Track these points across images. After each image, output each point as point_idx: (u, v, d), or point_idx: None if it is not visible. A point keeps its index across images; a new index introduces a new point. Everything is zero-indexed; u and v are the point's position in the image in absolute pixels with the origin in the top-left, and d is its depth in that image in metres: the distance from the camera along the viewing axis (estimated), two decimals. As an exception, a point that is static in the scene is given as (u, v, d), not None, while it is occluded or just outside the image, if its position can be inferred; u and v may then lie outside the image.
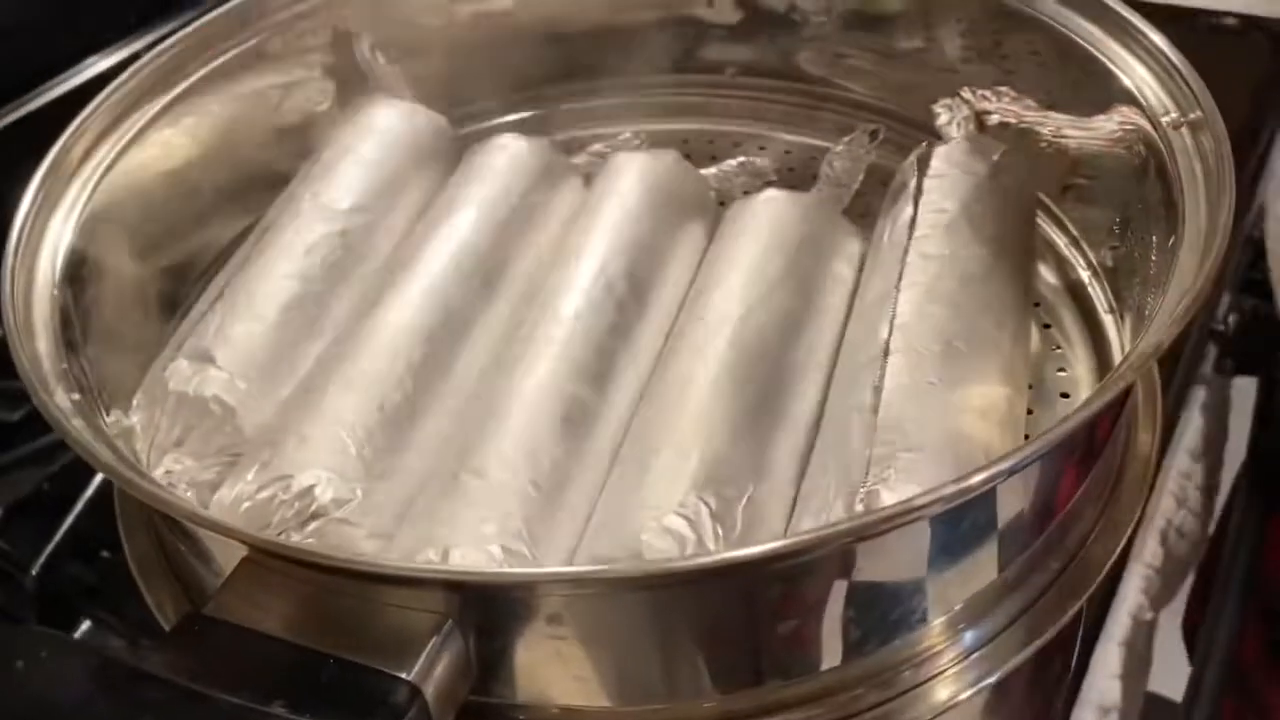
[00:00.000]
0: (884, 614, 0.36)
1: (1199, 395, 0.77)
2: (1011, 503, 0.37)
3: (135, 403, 0.46)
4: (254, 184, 0.57)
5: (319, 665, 0.31)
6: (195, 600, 0.42)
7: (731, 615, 0.35)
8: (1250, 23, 0.83)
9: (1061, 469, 0.38)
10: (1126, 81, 0.47)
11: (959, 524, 0.36)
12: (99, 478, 0.57)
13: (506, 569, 0.36)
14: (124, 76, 0.51)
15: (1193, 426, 0.77)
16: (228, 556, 0.36)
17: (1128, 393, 0.42)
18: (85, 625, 0.61)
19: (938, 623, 0.38)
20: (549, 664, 0.34)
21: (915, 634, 0.38)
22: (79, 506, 0.58)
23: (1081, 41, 0.49)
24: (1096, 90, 0.49)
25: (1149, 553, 0.70)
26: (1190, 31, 0.80)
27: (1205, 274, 0.35)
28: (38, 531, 0.58)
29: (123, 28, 0.69)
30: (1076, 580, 0.41)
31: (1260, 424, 0.86)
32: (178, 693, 0.30)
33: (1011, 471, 0.33)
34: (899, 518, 0.32)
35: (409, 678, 0.31)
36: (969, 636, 0.39)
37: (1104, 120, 0.49)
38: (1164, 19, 0.48)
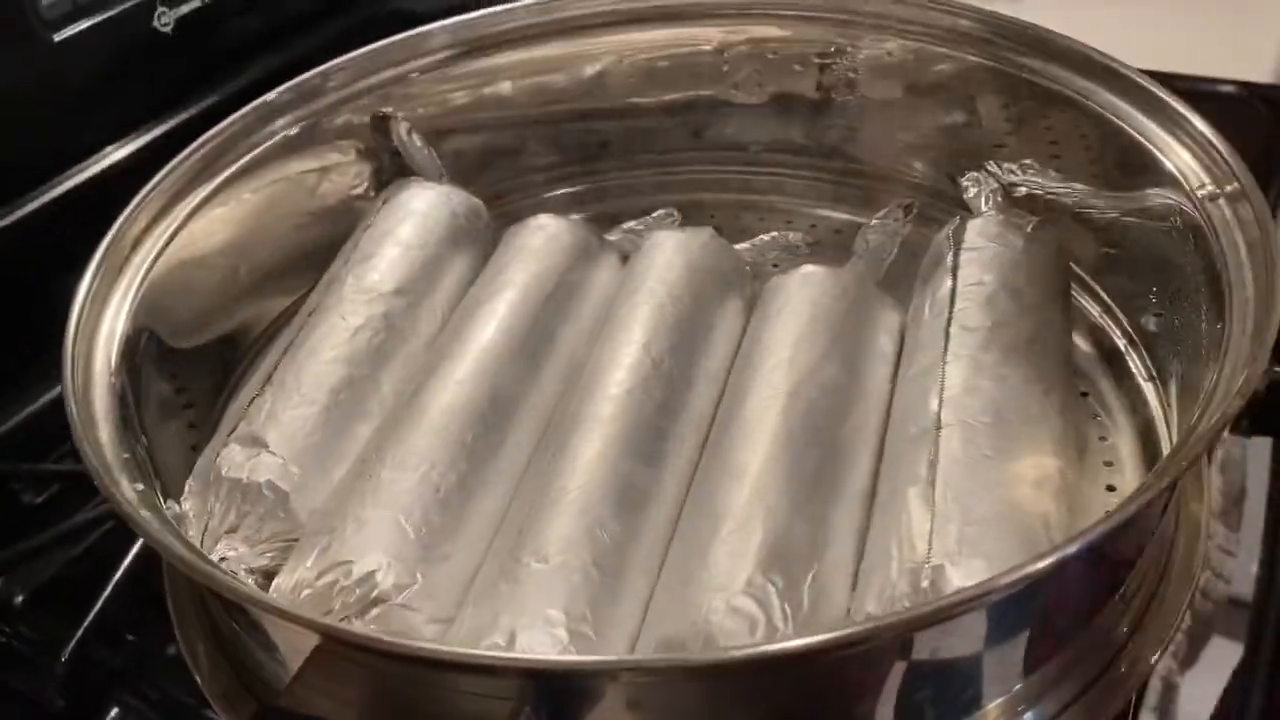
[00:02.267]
0: (955, 691, 0.36)
1: (1217, 455, 0.78)
2: (1078, 578, 0.37)
3: (187, 489, 0.46)
4: (294, 265, 0.58)
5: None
6: (249, 685, 0.42)
7: (802, 697, 0.35)
8: (1249, 90, 0.86)
9: (1129, 542, 0.38)
10: (1157, 154, 0.49)
11: (1029, 601, 0.36)
12: (126, 562, 0.56)
13: (588, 656, 0.36)
14: (170, 166, 0.52)
15: (1213, 486, 0.77)
16: (293, 644, 0.36)
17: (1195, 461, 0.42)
18: (114, 711, 0.60)
19: (995, 705, 0.38)
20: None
21: (975, 713, 0.38)
22: (107, 591, 0.57)
23: (1111, 116, 0.51)
24: (1125, 162, 0.51)
25: (1182, 620, 0.70)
26: (1191, 99, 0.83)
27: (1267, 343, 0.35)
28: (61, 616, 0.57)
29: (137, 120, 0.71)
30: (1136, 654, 0.41)
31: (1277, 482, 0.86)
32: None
33: (1090, 546, 0.33)
34: (978, 598, 0.32)
35: (493, 769, 0.31)
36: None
37: (1133, 192, 0.50)
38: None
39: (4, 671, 0.55)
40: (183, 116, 0.72)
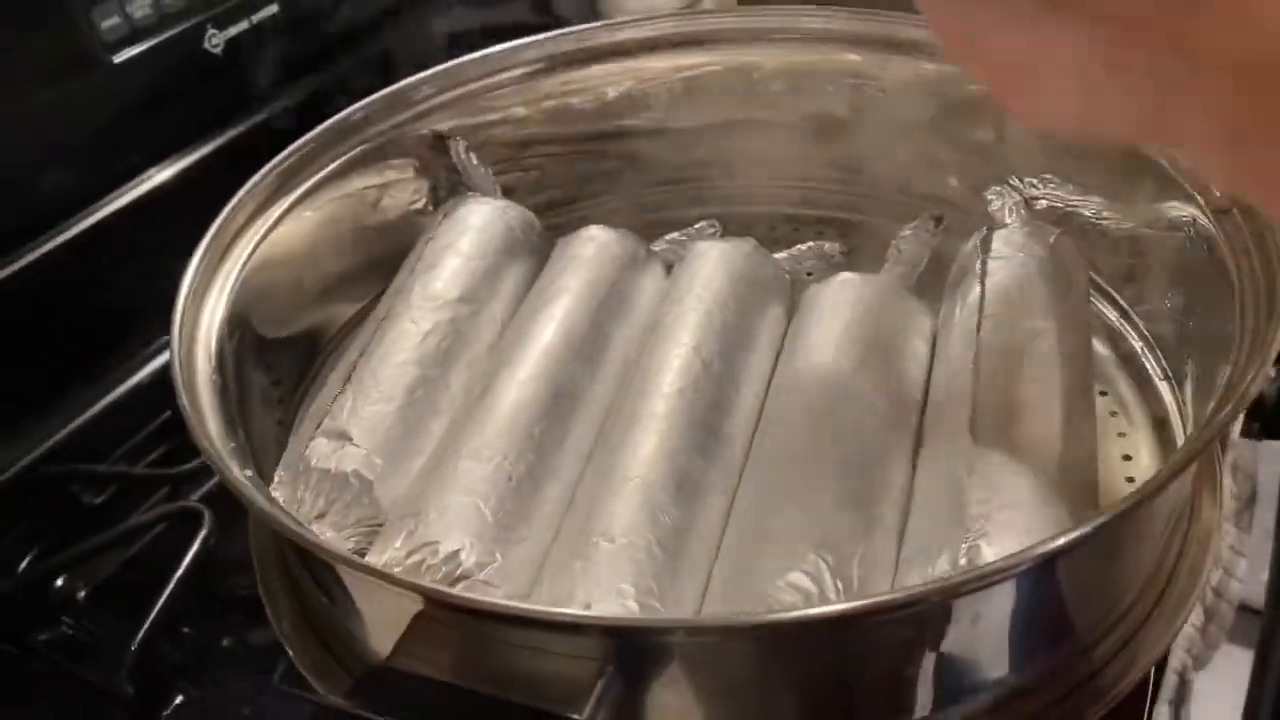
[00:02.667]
0: (981, 664, 0.40)
1: (1228, 458, 0.81)
2: (1100, 556, 0.40)
3: (277, 479, 0.49)
4: (360, 274, 0.62)
5: (502, 708, 0.35)
6: (340, 659, 0.46)
7: (853, 663, 0.39)
8: None
9: (1148, 523, 0.42)
10: (1167, 165, 0.52)
11: (1052, 579, 0.40)
12: (187, 559, 0.58)
13: (666, 616, 0.40)
14: (251, 182, 0.56)
15: (1224, 489, 0.80)
16: (389, 615, 0.39)
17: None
18: (178, 699, 0.63)
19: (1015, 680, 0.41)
20: (694, 711, 0.38)
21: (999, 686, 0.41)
22: (170, 586, 0.60)
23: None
24: (1141, 175, 0.54)
25: (1191, 612, 0.73)
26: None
27: (1268, 344, 0.39)
28: (119, 612, 0.59)
29: (186, 139, 0.73)
30: (1152, 640, 0.45)
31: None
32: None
33: (1113, 523, 0.37)
34: (1010, 569, 0.36)
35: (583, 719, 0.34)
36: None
37: (1149, 204, 0.54)
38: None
39: (74, 662, 0.58)
40: (229, 135, 0.74)
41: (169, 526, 0.60)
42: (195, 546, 0.56)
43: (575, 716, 0.34)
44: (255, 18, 0.76)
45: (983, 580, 0.37)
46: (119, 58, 0.68)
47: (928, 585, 0.38)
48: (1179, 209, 0.51)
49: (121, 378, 0.69)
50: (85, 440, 0.67)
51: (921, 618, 0.38)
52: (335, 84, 0.75)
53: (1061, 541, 0.36)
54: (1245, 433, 0.86)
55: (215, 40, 0.74)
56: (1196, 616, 0.72)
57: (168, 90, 0.71)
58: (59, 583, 0.60)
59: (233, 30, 0.75)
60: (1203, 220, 0.50)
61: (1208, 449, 0.47)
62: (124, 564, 0.62)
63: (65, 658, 0.58)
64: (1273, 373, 0.89)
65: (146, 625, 0.59)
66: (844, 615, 0.36)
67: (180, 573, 0.60)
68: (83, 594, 0.61)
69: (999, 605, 0.39)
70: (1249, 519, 0.93)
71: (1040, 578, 0.40)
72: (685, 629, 0.37)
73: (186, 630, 0.61)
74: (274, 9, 0.76)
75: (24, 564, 0.62)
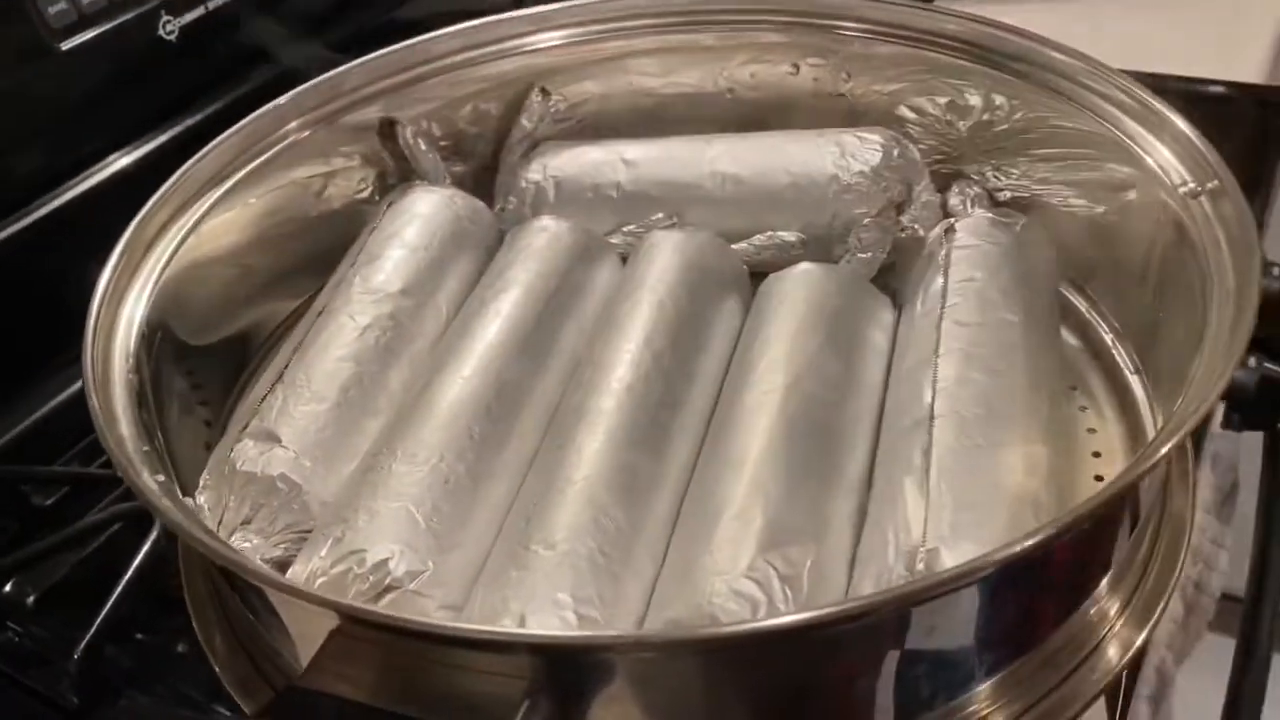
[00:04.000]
0: (948, 670, 0.38)
1: (1209, 449, 0.79)
2: (1066, 557, 0.38)
3: (202, 483, 0.47)
4: (301, 267, 0.59)
5: (421, 731, 0.32)
6: (265, 674, 0.43)
7: (801, 676, 0.37)
8: (1239, 89, 0.88)
9: (1115, 524, 0.40)
10: (1140, 153, 0.50)
11: (1019, 580, 0.37)
12: (135, 563, 0.57)
13: (596, 632, 0.37)
14: (184, 169, 0.54)
15: (1204, 481, 0.79)
16: (310, 629, 0.37)
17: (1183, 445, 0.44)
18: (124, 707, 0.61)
19: (987, 685, 0.39)
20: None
21: (969, 693, 0.39)
22: (117, 591, 0.58)
23: (1094, 116, 0.52)
24: (1109, 162, 0.52)
25: (1169, 609, 0.71)
26: (1182, 99, 0.85)
27: (1244, 328, 0.37)
28: (70, 616, 0.57)
29: (142, 127, 0.72)
30: (1125, 639, 0.43)
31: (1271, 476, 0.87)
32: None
33: (1074, 525, 0.34)
34: (969, 575, 0.34)
35: (507, 741, 0.32)
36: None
37: (1118, 191, 0.52)
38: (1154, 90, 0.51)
39: (19, 670, 0.56)
40: (187, 123, 0.74)
41: (122, 529, 0.59)
42: (145, 548, 0.55)
43: (499, 739, 0.32)
44: (211, 4, 0.75)
45: (941, 587, 0.35)
46: (67, 45, 0.67)
47: (881, 595, 0.36)
48: (1148, 194, 0.49)
49: (73, 378, 0.65)
50: (37, 440, 0.66)
51: (876, 628, 0.36)
52: (292, 72, 0.73)
53: (1020, 547, 0.34)
54: (1226, 424, 0.85)
55: (170, 27, 0.73)
56: (1176, 610, 0.71)
57: (122, 77, 0.71)
58: (7, 587, 0.59)
59: (188, 17, 0.74)
60: (1173, 205, 0.48)
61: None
62: (74, 567, 0.60)
63: (9, 665, 0.56)
64: (1252, 362, 0.88)
65: (92, 631, 0.57)
66: (787, 629, 0.33)
67: (129, 576, 0.58)
68: (31, 599, 0.59)
69: (958, 612, 0.37)
70: (1230, 511, 0.91)
71: (1001, 582, 0.37)
72: (602, 645, 0.35)
73: (140, 636, 0.59)
74: (231, -8, 0.76)
75: (-29, 567, 0.60)
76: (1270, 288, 0.84)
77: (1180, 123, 0.49)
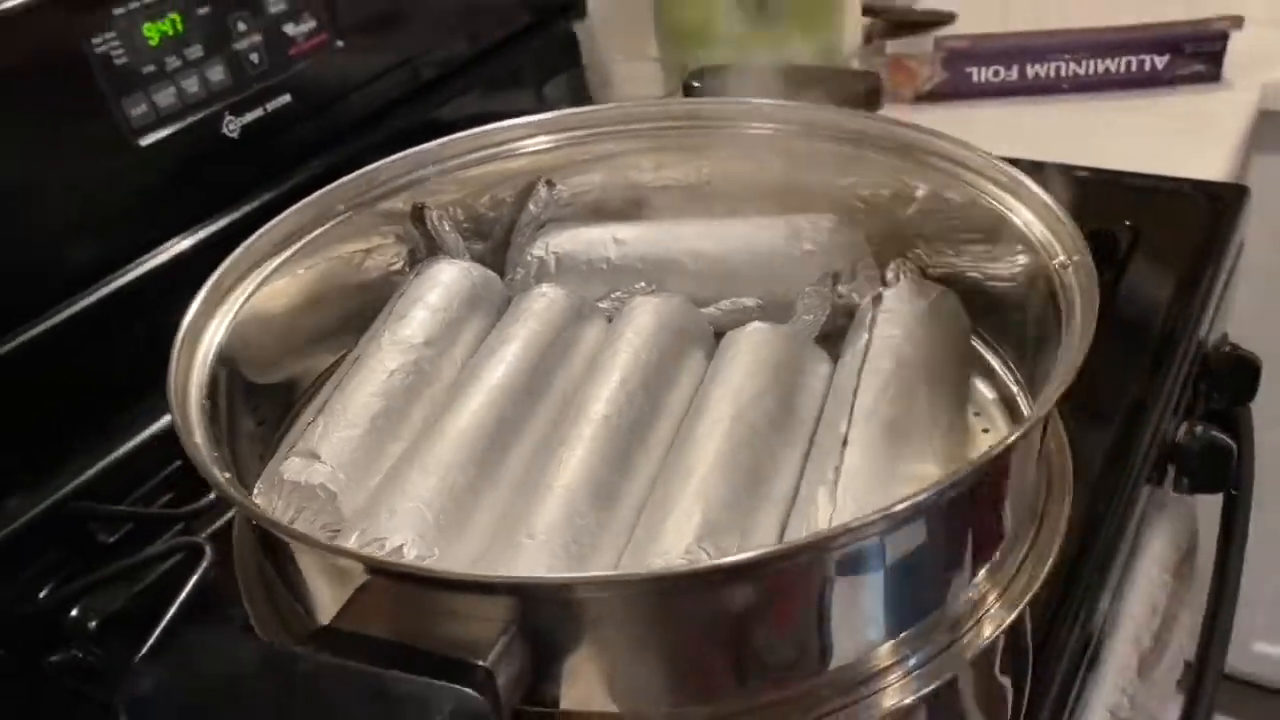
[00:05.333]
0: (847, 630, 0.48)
1: (1164, 510, 0.87)
2: (947, 524, 0.48)
3: (255, 490, 0.58)
4: (342, 327, 0.70)
5: (420, 655, 0.42)
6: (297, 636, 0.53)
7: (728, 622, 0.46)
8: (1196, 186, 1.00)
9: (983, 503, 0.49)
10: (1023, 229, 0.61)
11: (902, 548, 0.47)
12: (187, 589, 0.64)
13: (556, 574, 0.48)
14: (255, 236, 0.64)
15: (1159, 540, 0.86)
16: (338, 595, 0.47)
17: (1033, 435, 0.53)
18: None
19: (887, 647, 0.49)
20: (589, 664, 0.46)
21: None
22: (168, 616, 0.64)
23: (994, 205, 0.63)
24: (1005, 240, 0.63)
25: (1122, 657, 0.78)
26: (1151, 193, 0.98)
27: (1072, 360, 0.48)
28: (127, 641, 0.64)
29: (202, 214, 0.82)
30: (1006, 606, 0.52)
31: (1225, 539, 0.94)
32: (324, 666, 0.41)
33: (953, 489, 0.45)
34: (847, 534, 0.44)
35: (485, 664, 0.42)
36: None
37: (1010, 264, 0.63)
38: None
39: (82, 683, 0.65)
40: (242, 211, 0.83)
41: (177, 564, 0.67)
42: (195, 577, 0.63)
43: (480, 662, 0.42)
44: (269, 106, 0.85)
45: (825, 541, 0.45)
46: (145, 140, 0.76)
47: (773, 548, 0.47)
48: (1034, 267, 0.60)
49: (138, 429, 0.77)
50: (104, 484, 0.74)
51: (777, 579, 0.46)
52: (338, 166, 0.84)
53: (898, 507, 0.43)
54: (1176, 488, 0.93)
55: (232, 125, 0.83)
56: (1128, 663, 0.78)
57: (189, 170, 0.80)
58: (74, 612, 0.67)
59: (249, 117, 0.84)
60: (1050, 275, 0.58)
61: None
62: (132, 596, 0.68)
63: (74, 679, 0.66)
64: (1199, 430, 0.96)
65: (145, 650, 0.63)
66: (701, 572, 0.44)
67: (180, 600, 0.68)
68: (94, 623, 0.67)
69: (848, 567, 0.46)
70: (1189, 570, 0.98)
71: (875, 551, 0.47)
72: (563, 584, 0.45)
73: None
74: (287, 98, 0.86)
75: (43, 594, 0.69)
76: (1222, 352, 0.94)
77: (1054, 205, 0.59)
